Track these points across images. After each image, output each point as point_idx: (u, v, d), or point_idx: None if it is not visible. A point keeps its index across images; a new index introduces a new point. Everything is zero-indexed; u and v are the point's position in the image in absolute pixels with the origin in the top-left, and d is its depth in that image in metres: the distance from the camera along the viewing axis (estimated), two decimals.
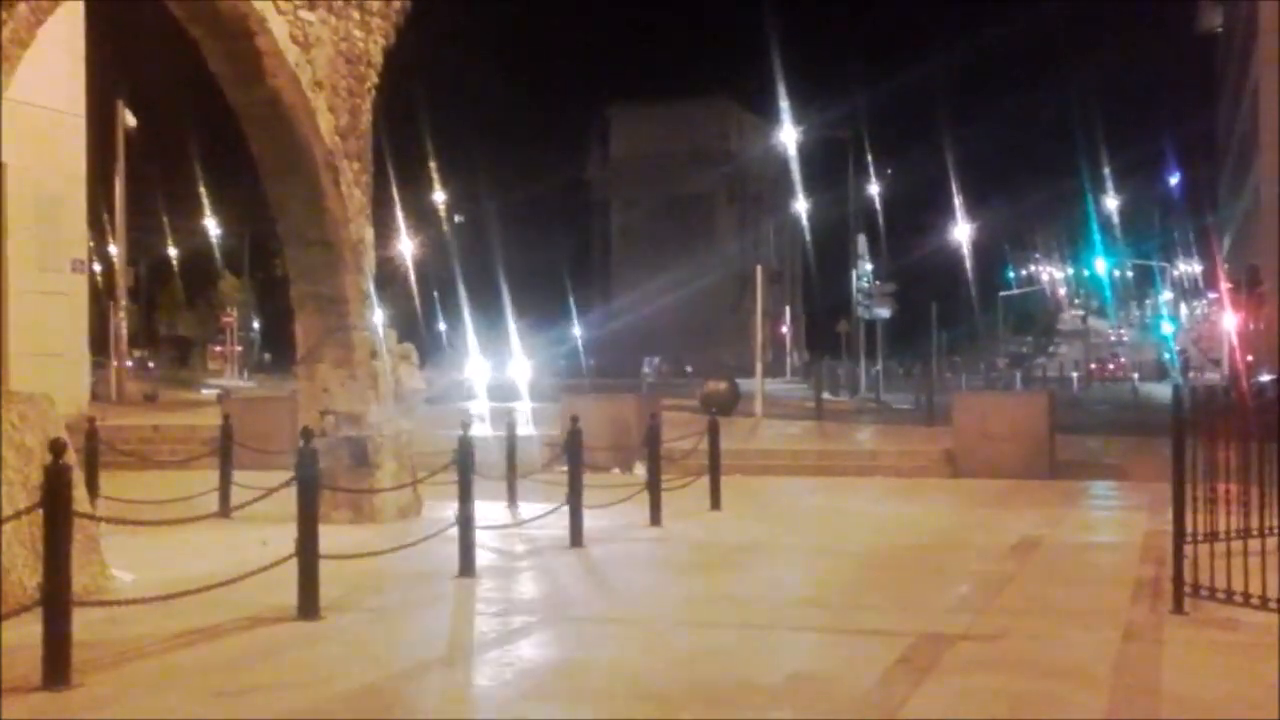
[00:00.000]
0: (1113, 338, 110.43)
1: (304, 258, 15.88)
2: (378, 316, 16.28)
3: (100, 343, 39.13)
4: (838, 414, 35.85)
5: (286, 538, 10.11)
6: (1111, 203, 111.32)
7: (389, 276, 58.50)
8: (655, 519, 15.46)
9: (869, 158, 65.64)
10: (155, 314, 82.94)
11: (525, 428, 22.79)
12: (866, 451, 24.40)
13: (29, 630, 8.04)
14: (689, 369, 60.59)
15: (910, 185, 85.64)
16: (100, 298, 44.11)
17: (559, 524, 13.75)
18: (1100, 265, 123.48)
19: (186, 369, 72.86)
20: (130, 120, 40.88)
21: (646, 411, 19.97)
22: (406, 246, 72.81)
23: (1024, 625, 9.66)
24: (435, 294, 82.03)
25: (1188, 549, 9.85)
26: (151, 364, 67.26)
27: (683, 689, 7.93)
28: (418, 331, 59.86)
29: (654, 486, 15.67)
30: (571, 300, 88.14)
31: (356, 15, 15.78)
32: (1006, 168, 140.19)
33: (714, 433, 17.98)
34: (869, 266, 49.50)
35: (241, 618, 9.78)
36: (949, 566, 12.59)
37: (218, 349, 71.39)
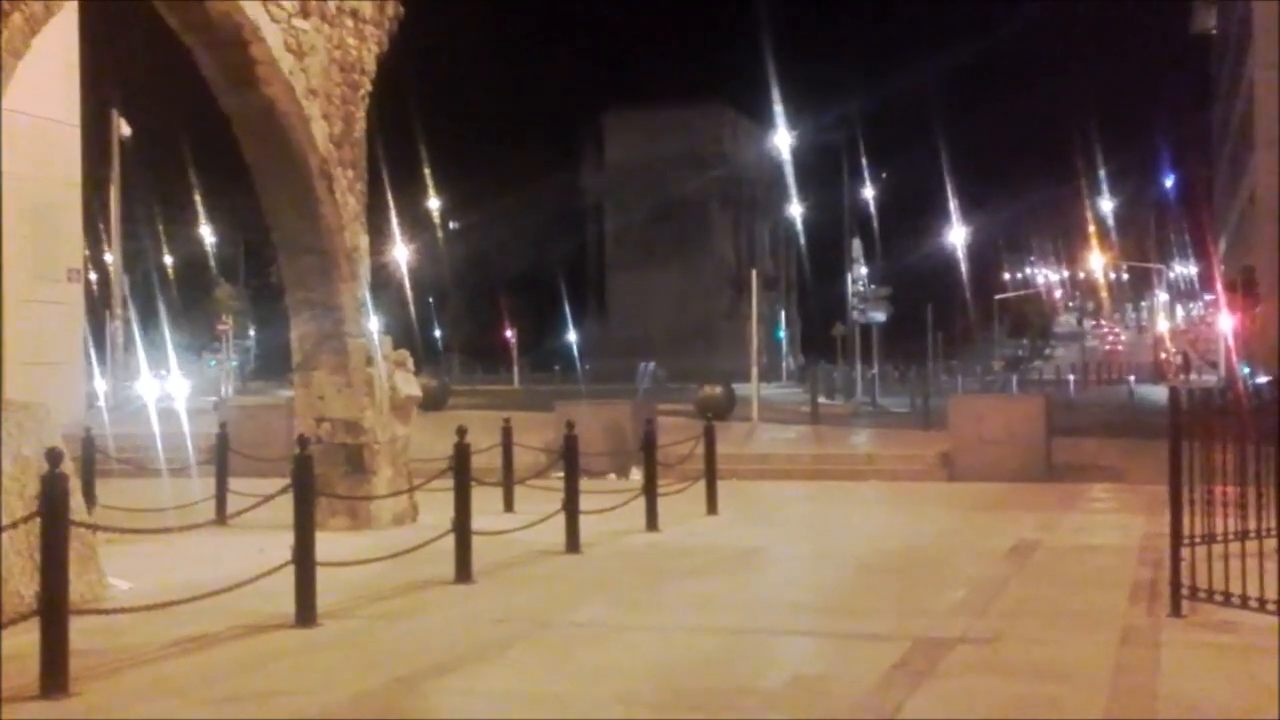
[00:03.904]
0: (1109, 339, 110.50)
1: (298, 265, 15.88)
2: (373, 323, 16.27)
3: (96, 351, 39.10)
4: (833, 418, 35.82)
5: (283, 545, 10.10)
6: (1107, 205, 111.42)
7: (384, 283, 58.47)
8: (652, 524, 15.46)
9: (863, 161, 65.42)
10: (151, 322, 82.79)
11: None
12: (862, 455, 24.39)
13: (27, 639, 8.04)
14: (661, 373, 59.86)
15: (905, 188, 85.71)
16: (96, 306, 44.04)
17: (556, 530, 13.75)
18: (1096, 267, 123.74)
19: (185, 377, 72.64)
20: (125, 129, 40.89)
21: (642, 417, 19.98)
22: (401, 253, 72.82)
23: (1021, 628, 9.67)
24: (430, 300, 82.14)
25: (1185, 551, 9.86)
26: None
27: (679, 693, 7.94)
28: (413, 338, 59.87)
29: (650, 492, 15.66)
30: (567, 306, 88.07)
31: (350, 23, 15.78)
32: (1001, 170, 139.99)
33: (710, 437, 17.98)
34: (864, 270, 49.43)
35: (238, 625, 9.78)
36: (946, 570, 12.60)
37: (213, 360, 71.09)
